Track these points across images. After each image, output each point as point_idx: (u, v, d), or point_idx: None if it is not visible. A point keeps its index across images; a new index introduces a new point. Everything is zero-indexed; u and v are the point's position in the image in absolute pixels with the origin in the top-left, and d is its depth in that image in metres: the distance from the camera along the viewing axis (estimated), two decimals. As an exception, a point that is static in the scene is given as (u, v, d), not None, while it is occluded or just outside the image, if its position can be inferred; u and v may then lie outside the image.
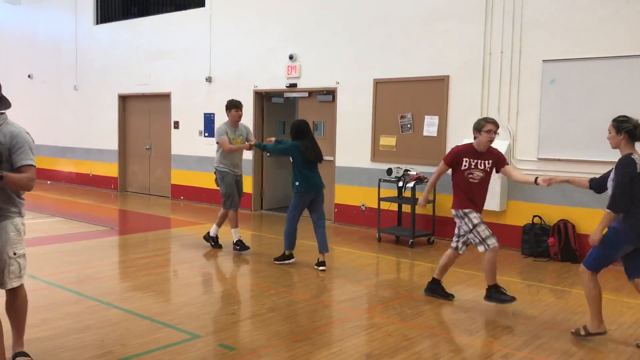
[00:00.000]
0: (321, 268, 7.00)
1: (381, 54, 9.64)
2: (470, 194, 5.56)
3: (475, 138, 5.60)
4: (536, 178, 5.30)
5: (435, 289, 5.94)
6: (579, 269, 4.85)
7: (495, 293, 5.52)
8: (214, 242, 8.13)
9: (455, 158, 5.58)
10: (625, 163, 4.48)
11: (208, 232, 8.23)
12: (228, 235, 8.13)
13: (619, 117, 4.65)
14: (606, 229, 4.63)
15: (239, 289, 6.43)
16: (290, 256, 7.34)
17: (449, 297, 5.88)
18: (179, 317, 5.24)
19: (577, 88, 7.75)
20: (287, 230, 7.27)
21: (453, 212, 5.64)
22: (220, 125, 7.97)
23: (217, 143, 7.88)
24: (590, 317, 4.76)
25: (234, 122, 7.91)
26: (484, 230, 5.45)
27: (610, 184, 4.62)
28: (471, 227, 5.48)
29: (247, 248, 7.87)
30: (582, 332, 4.79)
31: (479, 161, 5.57)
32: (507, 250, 8.07)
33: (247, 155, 9.36)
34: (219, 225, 8.09)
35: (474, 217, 5.49)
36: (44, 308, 5.33)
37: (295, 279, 6.72)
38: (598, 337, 4.77)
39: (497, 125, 5.58)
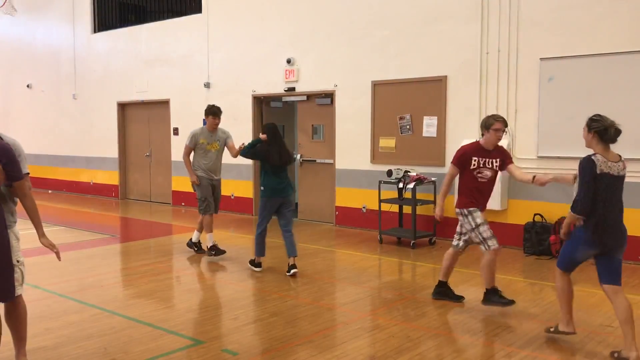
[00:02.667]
0: (292, 271, 6.84)
1: (378, 56, 9.65)
2: (477, 193, 5.50)
3: (482, 136, 5.54)
4: (533, 176, 5.28)
5: (444, 292, 5.89)
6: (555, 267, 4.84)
7: (493, 297, 5.46)
8: (197, 247, 8.12)
9: (464, 158, 5.49)
10: (584, 164, 4.35)
11: (190, 239, 8.22)
12: (226, 239, 8.12)
13: (594, 115, 4.59)
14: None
15: (241, 293, 6.43)
16: (259, 264, 7.16)
17: (459, 299, 5.83)
18: (181, 323, 5.24)
19: (575, 85, 7.75)
20: (255, 236, 7.20)
21: (457, 210, 5.59)
22: (195, 130, 7.91)
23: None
24: (561, 315, 4.72)
25: (211, 128, 7.87)
26: (485, 231, 5.42)
27: (575, 185, 4.53)
28: (474, 226, 5.45)
29: (222, 252, 7.81)
30: (552, 330, 4.76)
31: (487, 159, 5.50)
32: (508, 249, 8.07)
33: (248, 160, 9.30)
34: (200, 230, 8.05)
35: (478, 216, 5.46)
36: (47, 317, 5.34)
37: (298, 283, 6.72)
38: (567, 336, 4.73)
39: (505, 124, 5.52)
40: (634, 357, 4.24)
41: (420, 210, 8.81)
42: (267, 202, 7.00)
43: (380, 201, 8.96)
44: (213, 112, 7.85)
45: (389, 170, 9.03)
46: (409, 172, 8.78)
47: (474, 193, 5.50)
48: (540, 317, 5.36)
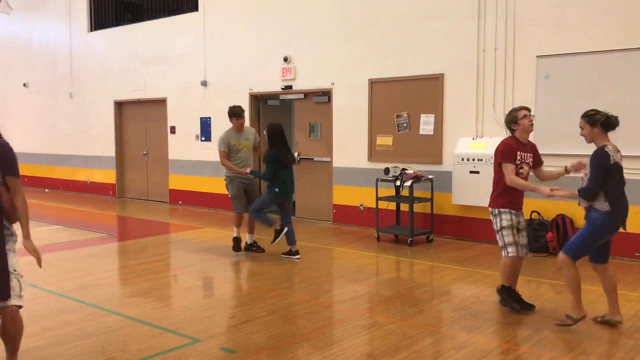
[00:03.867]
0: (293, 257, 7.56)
1: (375, 54, 9.65)
2: (515, 192, 5.31)
3: (514, 131, 5.33)
4: (565, 167, 5.23)
5: (511, 297, 5.50)
6: (558, 257, 4.93)
7: (508, 297, 5.40)
8: (255, 247, 8.07)
9: (511, 153, 5.22)
10: (600, 155, 4.62)
11: (246, 242, 8.12)
12: (224, 237, 8.11)
13: (589, 111, 4.77)
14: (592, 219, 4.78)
15: (239, 292, 6.43)
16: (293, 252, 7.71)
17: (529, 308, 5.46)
18: (179, 321, 5.24)
19: (572, 83, 7.76)
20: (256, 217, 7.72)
21: (490, 209, 5.42)
22: (223, 134, 7.95)
23: None
24: (575, 303, 4.86)
25: (237, 129, 7.92)
26: (507, 236, 5.28)
27: (585, 178, 4.77)
28: (498, 228, 5.33)
29: (239, 250, 8.02)
30: (570, 322, 4.88)
31: (525, 154, 5.33)
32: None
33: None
34: (250, 231, 8.08)
35: (505, 219, 5.29)
36: (44, 316, 5.33)
37: (295, 281, 6.72)
38: (567, 332, 4.85)
39: (529, 109, 5.38)
40: (619, 319, 4.90)
41: (417, 208, 8.82)
42: (274, 199, 7.56)
43: (378, 199, 8.96)
44: (236, 113, 7.91)
45: (386, 168, 9.03)
46: (406, 170, 8.78)
47: (511, 192, 5.30)
48: (538, 314, 5.36)
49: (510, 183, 5.22)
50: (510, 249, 5.31)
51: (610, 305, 4.97)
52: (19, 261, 3.90)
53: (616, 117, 4.72)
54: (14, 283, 3.80)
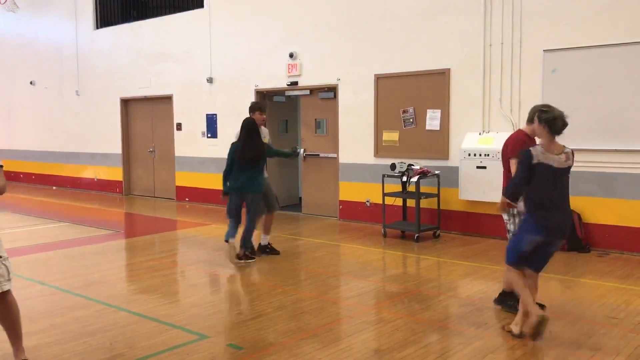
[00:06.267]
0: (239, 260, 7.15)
1: (381, 49, 9.62)
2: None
3: (532, 123, 4.91)
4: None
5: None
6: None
7: (508, 300, 5.27)
8: (269, 249, 7.72)
9: (523, 148, 4.93)
10: (523, 153, 4.53)
11: (259, 244, 7.77)
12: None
13: (542, 106, 4.69)
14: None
15: (246, 288, 6.44)
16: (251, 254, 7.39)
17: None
18: (186, 318, 5.25)
19: (579, 77, 7.71)
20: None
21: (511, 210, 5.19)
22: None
23: None
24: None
25: (259, 123, 7.51)
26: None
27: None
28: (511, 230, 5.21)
29: (276, 252, 7.66)
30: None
31: None
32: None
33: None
34: (266, 232, 7.73)
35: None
36: (52, 313, 5.36)
37: (302, 277, 6.73)
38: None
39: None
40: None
41: (424, 203, 8.79)
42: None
43: (384, 195, 8.94)
44: (259, 107, 7.62)
45: (392, 163, 9.00)
46: (413, 165, 8.76)
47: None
48: (545, 310, 5.32)
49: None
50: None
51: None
52: (3, 246, 3.92)
53: (563, 124, 4.51)
54: (2, 270, 3.83)
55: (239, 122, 7.38)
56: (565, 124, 4.52)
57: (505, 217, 5.29)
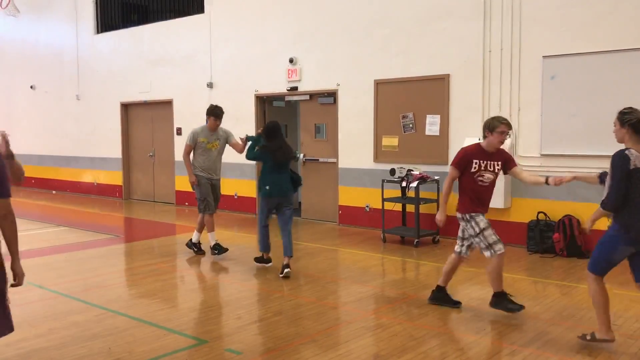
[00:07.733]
0: (285, 271, 6.73)
1: (381, 54, 9.64)
2: (479, 197, 5.33)
3: (485, 137, 5.32)
4: (547, 178, 5.11)
5: (441, 298, 5.69)
6: (586, 272, 4.62)
7: (502, 301, 5.33)
8: (196, 248, 8.07)
9: (464, 161, 5.30)
10: (617, 158, 4.21)
11: (190, 239, 8.17)
12: (229, 239, 8.13)
13: (624, 109, 4.38)
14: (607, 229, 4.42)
15: (244, 293, 6.43)
16: (268, 260, 7.26)
17: (455, 304, 5.63)
18: (185, 322, 5.25)
19: (578, 83, 7.73)
20: (259, 230, 7.33)
21: (458, 215, 5.40)
22: (195, 128, 7.88)
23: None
24: (598, 323, 4.51)
25: (212, 128, 7.83)
26: (491, 235, 5.24)
27: (607, 180, 4.37)
28: (477, 232, 5.28)
29: (225, 250, 7.80)
30: (588, 337, 4.55)
31: (489, 162, 5.30)
32: (512, 247, 8.04)
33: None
34: (200, 231, 8.01)
35: (481, 220, 5.28)
36: (51, 317, 5.36)
37: (301, 282, 6.72)
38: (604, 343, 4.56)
39: (510, 127, 5.32)
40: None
41: (423, 208, 8.80)
42: (267, 200, 7.04)
43: (384, 200, 8.95)
44: (215, 114, 7.79)
45: (392, 169, 9.02)
46: (412, 170, 8.77)
47: (475, 197, 5.33)
48: (543, 315, 5.34)
49: (445, 187, 5.46)
50: (497, 247, 5.22)
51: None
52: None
53: None
54: None
55: (238, 127, 7.42)
56: None
57: (462, 224, 5.44)
